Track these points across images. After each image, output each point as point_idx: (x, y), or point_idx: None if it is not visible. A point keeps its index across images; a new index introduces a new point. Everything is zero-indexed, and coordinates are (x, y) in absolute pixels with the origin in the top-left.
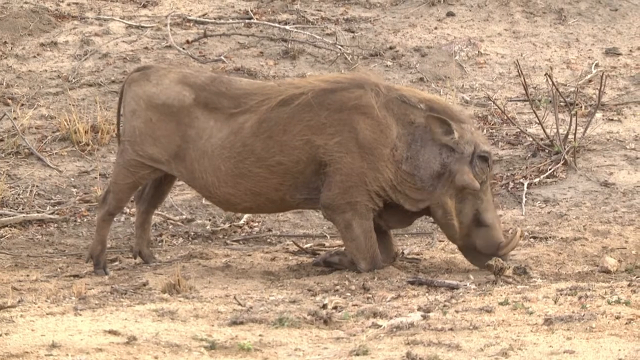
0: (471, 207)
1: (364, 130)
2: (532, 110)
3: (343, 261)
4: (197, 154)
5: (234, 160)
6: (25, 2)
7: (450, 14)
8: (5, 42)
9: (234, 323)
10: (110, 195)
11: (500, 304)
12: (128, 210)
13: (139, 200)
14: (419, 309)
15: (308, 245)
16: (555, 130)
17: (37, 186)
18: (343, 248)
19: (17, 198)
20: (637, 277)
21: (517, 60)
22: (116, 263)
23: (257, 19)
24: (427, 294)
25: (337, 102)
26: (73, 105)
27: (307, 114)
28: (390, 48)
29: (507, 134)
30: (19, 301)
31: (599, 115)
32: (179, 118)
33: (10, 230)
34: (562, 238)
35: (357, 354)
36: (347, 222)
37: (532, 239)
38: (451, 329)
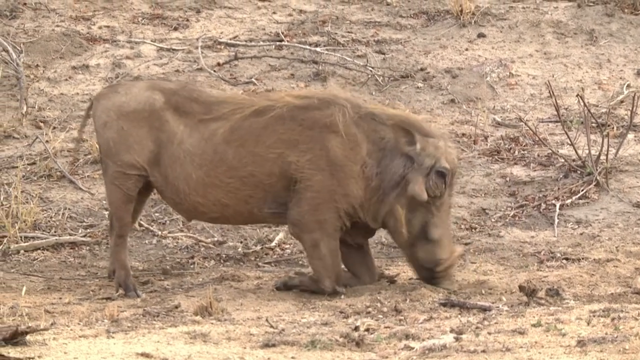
0: (420, 219)
1: (334, 148)
2: (563, 131)
3: (303, 281)
4: (170, 159)
5: (206, 168)
6: (57, 26)
7: (481, 35)
8: (37, 65)
9: (266, 345)
10: (113, 218)
11: (533, 325)
12: (160, 233)
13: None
14: (452, 330)
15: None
16: (587, 151)
17: (69, 209)
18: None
19: (49, 221)
20: None
21: (548, 81)
22: (148, 285)
23: (287, 41)
24: (459, 316)
25: (309, 120)
26: None
27: (281, 127)
28: (421, 69)
29: (538, 155)
30: (51, 324)
31: (630, 136)
32: (150, 122)
33: (43, 253)
34: (594, 259)
35: None
36: (315, 242)
37: (564, 261)
38: (484, 351)
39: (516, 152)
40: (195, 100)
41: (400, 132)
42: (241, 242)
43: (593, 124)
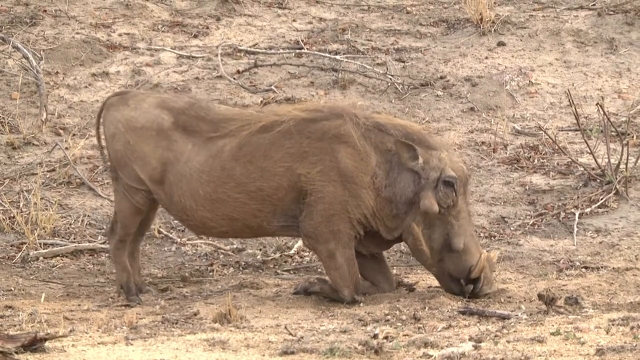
0: (440, 233)
1: (344, 158)
2: (583, 140)
3: (324, 289)
4: (176, 177)
5: (213, 184)
6: (77, 33)
7: (501, 44)
8: (57, 72)
9: (285, 353)
10: (117, 224)
11: (552, 334)
12: (179, 240)
13: None
14: (470, 339)
15: None
16: (606, 160)
17: (88, 216)
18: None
19: (68, 228)
20: None
21: (568, 90)
22: (167, 292)
23: (307, 49)
24: (478, 324)
25: (318, 131)
26: None
27: (288, 141)
28: (441, 78)
29: (558, 164)
30: (70, 331)
31: None
32: (157, 141)
33: (62, 259)
34: (613, 268)
35: None
36: (331, 252)
37: (583, 269)
38: (503, 359)
39: (535, 160)
40: (203, 119)
41: (402, 148)
42: (260, 250)
43: (613, 133)
